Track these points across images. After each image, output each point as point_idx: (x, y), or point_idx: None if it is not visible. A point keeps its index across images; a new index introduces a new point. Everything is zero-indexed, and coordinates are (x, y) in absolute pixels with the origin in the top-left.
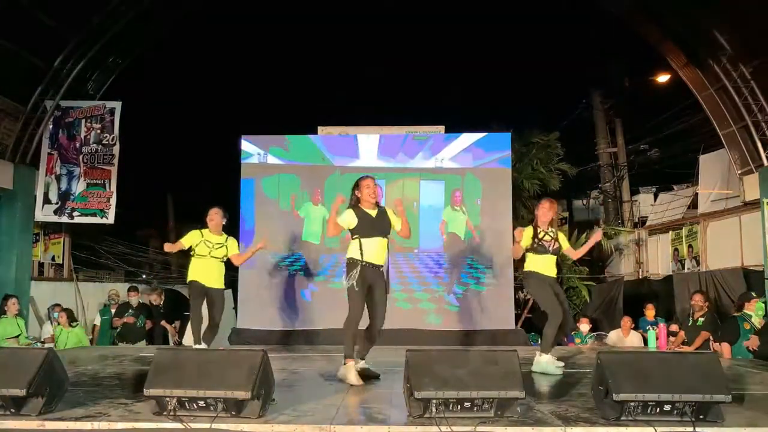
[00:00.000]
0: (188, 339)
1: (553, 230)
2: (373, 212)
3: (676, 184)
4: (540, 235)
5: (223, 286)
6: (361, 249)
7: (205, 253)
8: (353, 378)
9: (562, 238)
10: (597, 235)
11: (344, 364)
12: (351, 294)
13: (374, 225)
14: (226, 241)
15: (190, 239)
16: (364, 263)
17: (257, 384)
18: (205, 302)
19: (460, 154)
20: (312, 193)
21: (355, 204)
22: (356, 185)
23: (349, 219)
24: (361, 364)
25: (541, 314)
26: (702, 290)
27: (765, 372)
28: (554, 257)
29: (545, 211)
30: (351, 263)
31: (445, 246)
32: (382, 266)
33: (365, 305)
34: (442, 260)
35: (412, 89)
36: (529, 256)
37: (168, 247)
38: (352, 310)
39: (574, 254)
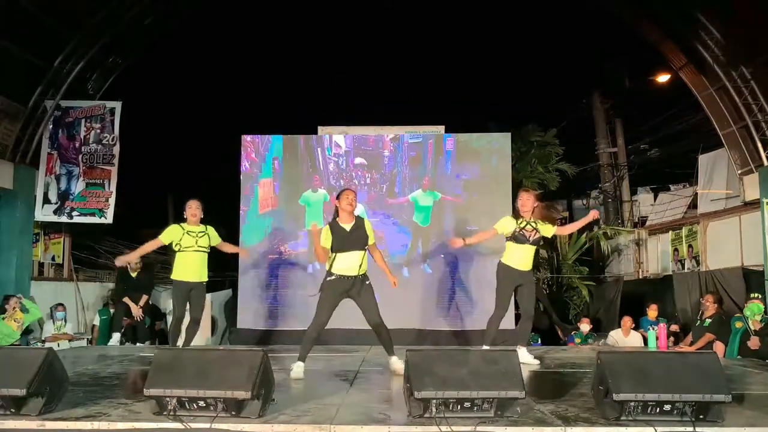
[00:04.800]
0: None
1: (534, 221)
2: (348, 226)
3: (675, 184)
4: (521, 225)
5: (206, 279)
6: (333, 263)
7: (192, 244)
8: (296, 373)
9: (544, 228)
10: (592, 214)
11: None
12: (318, 303)
13: (347, 239)
14: (206, 229)
15: (170, 235)
16: (335, 276)
17: (257, 384)
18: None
19: (460, 153)
20: (311, 180)
21: (333, 218)
22: (338, 196)
23: (325, 238)
24: (393, 359)
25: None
26: (713, 291)
27: (765, 372)
28: (533, 248)
29: (524, 201)
30: (327, 274)
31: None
32: (358, 276)
33: (331, 315)
34: (440, 259)
35: (413, 89)
36: (509, 246)
37: (143, 249)
38: (315, 317)
39: (565, 230)
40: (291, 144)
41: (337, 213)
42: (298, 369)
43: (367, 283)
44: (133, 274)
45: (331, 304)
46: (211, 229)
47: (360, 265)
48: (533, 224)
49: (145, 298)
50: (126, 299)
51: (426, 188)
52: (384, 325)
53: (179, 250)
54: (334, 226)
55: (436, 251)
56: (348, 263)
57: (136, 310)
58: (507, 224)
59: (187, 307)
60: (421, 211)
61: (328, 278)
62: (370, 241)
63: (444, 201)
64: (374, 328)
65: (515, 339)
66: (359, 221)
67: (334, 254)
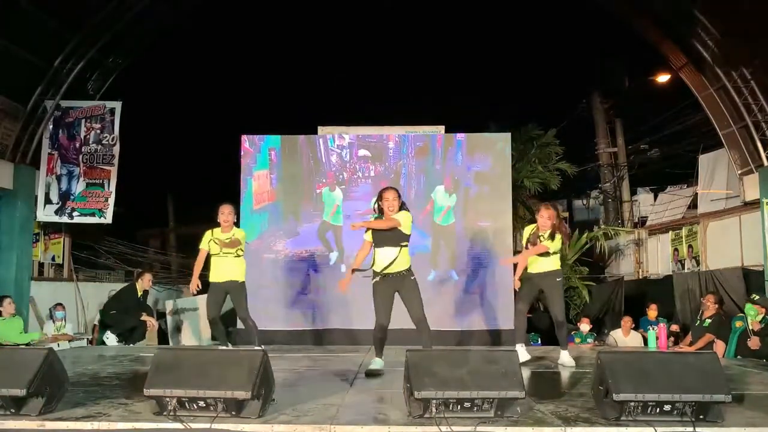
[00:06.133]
0: (186, 339)
1: (546, 233)
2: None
3: (674, 185)
4: (533, 230)
5: (241, 279)
6: (375, 259)
7: (217, 252)
8: (374, 365)
9: (555, 240)
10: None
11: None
12: (374, 302)
13: (384, 235)
14: (233, 234)
15: (204, 241)
16: (381, 274)
17: (257, 384)
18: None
19: (460, 153)
20: (312, 172)
21: (378, 215)
22: (379, 196)
23: (368, 233)
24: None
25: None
26: (714, 291)
27: (765, 372)
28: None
29: (544, 220)
30: (373, 274)
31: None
32: (402, 271)
33: (389, 313)
34: (439, 259)
35: (413, 89)
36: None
37: (198, 265)
38: (376, 316)
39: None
40: (289, 142)
41: (381, 210)
42: (375, 364)
43: (412, 278)
44: (140, 293)
45: (385, 302)
46: (238, 232)
47: (394, 262)
48: (544, 235)
49: (145, 314)
50: (145, 318)
51: (449, 189)
52: (425, 322)
53: (212, 255)
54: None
55: (454, 254)
56: (384, 259)
57: (155, 322)
58: (527, 232)
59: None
60: (439, 211)
61: (373, 280)
62: (407, 231)
63: (460, 201)
64: (416, 325)
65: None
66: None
67: (374, 250)
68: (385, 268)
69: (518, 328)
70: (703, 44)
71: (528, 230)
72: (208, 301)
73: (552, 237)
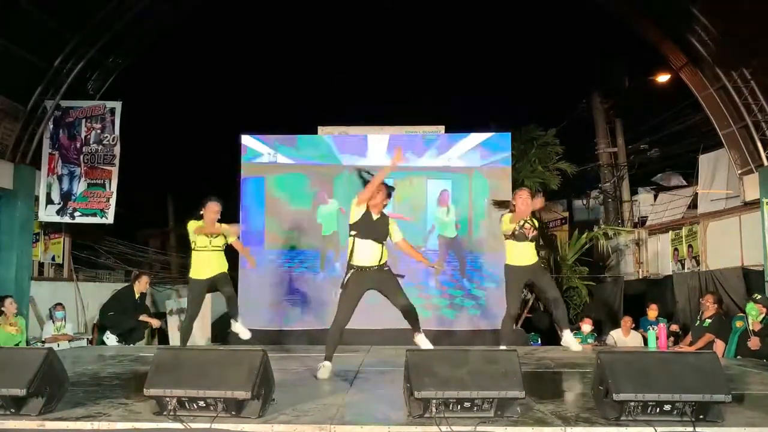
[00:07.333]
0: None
1: (530, 219)
2: (376, 216)
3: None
4: (520, 223)
5: (225, 270)
6: (353, 251)
7: (206, 244)
8: (322, 373)
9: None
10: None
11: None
12: (340, 298)
13: (372, 228)
14: (220, 228)
15: (193, 225)
16: (357, 268)
17: (257, 384)
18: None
19: (460, 154)
20: (319, 194)
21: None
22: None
23: (356, 212)
24: (420, 337)
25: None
26: (713, 291)
27: (765, 372)
28: (532, 244)
29: (524, 200)
30: (347, 267)
31: (439, 247)
32: (377, 266)
33: (353, 311)
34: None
35: (412, 89)
36: (509, 245)
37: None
38: (337, 314)
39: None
40: (289, 142)
41: (368, 206)
42: (324, 369)
43: (386, 269)
44: (137, 295)
45: (354, 301)
46: (224, 227)
47: (380, 258)
48: (530, 222)
49: (145, 315)
50: (145, 318)
51: (445, 204)
52: (411, 305)
53: (194, 249)
54: (365, 211)
55: (456, 254)
56: (367, 253)
57: (156, 323)
58: (507, 223)
59: (202, 305)
60: (444, 226)
61: (350, 272)
62: (394, 239)
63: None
64: (402, 311)
65: (559, 325)
66: (385, 217)
67: (353, 240)
68: (367, 261)
69: (505, 333)
70: (703, 44)
71: (508, 219)
72: (191, 298)
73: (534, 217)
